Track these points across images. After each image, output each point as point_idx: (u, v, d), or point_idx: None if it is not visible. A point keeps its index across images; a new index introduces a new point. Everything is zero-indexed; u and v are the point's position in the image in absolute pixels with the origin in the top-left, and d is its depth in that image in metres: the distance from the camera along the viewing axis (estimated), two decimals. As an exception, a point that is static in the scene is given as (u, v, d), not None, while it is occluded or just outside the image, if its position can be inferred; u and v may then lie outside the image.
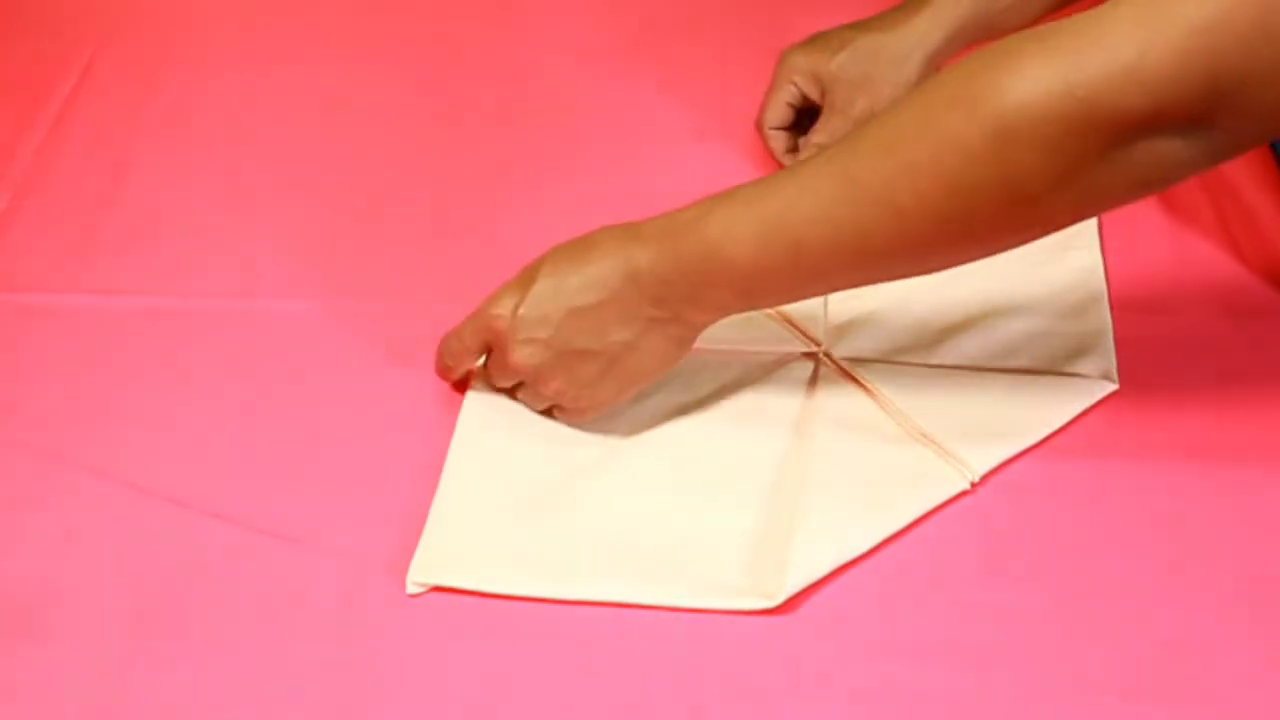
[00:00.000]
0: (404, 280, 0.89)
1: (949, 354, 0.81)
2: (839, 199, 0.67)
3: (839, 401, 0.79)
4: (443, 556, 0.72)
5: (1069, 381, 0.80)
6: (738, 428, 0.78)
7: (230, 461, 0.78)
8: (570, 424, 0.79)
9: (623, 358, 0.74)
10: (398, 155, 0.99)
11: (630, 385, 0.76)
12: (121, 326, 0.86)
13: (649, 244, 0.72)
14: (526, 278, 0.75)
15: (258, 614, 0.70)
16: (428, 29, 1.11)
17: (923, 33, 0.90)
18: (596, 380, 0.75)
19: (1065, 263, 0.86)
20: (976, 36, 0.91)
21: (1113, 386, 0.80)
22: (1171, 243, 0.89)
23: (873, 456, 0.76)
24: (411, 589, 0.71)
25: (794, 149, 0.95)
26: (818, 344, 0.82)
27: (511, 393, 0.79)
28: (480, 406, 0.80)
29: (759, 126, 0.96)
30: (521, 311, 0.74)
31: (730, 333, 0.79)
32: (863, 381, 0.80)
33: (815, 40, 0.94)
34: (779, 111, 0.94)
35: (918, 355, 0.81)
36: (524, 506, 0.75)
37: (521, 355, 0.75)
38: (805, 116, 0.95)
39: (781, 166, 0.95)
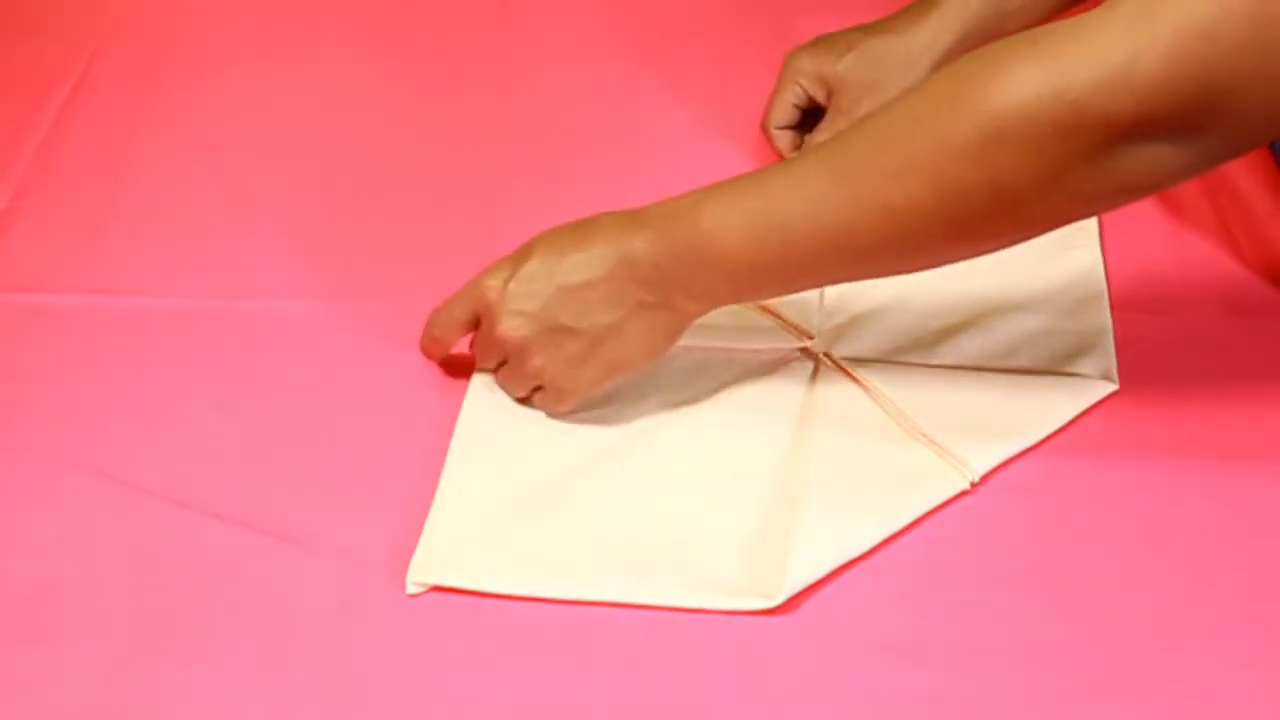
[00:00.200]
0: (404, 280, 0.89)
1: (949, 354, 0.81)
2: (828, 195, 0.67)
3: (839, 401, 0.79)
4: (442, 556, 0.72)
5: (1069, 381, 0.80)
6: (737, 427, 0.78)
7: (230, 461, 0.78)
8: (550, 412, 0.78)
9: (608, 340, 0.74)
10: (398, 155, 0.99)
11: (612, 371, 0.76)
12: (121, 326, 0.86)
13: (645, 228, 0.72)
14: (522, 254, 0.76)
15: (257, 614, 0.70)
16: (428, 29, 1.11)
17: (931, 37, 0.90)
18: (579, 361, 0.75)
19: (1065, 262, 0.87)
20: (985, 39, 0.90)
21: (1113, 386, 0.80)
22: (1171, 243, 0.89)
23: (873, 456, 0.76)
24: (411, 589, 0.71)
25: (800, 148, 0.95)
26: (810, 337, 0.82)
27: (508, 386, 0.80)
28: (480, 407, 0.80)
29: (764, 127, 0.96)
30: (512, 285, 0.75)
31: (728, 332, 0.79)
32: (862, 381, 0.80)
33: (821, 42, 0.94)
34: (784, 112, 0.94)
35: (918, 355, 0.81)
36: (524, 506, 0.75)
37: (508, 326, 0.75)
38: (810, 117, 0.96)
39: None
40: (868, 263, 0.70)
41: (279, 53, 1.09)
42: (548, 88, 1.05)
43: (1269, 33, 0.58)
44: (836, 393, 0.80)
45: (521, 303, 0.75)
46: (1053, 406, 0.78)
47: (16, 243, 0.92)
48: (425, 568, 0.71)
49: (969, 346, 0.82)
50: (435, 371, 0.82)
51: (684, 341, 0.76)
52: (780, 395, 0.80)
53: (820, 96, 0.93)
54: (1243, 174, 0.93)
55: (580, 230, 0.75)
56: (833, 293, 0.84)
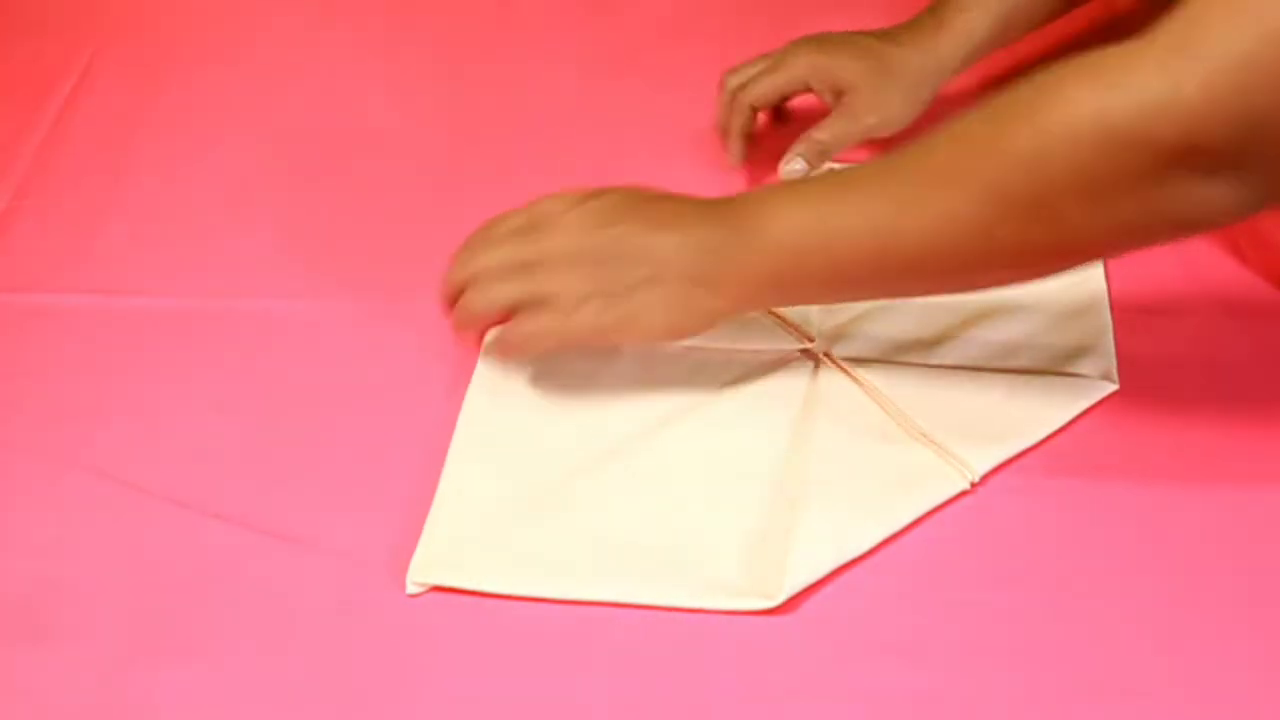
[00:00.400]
0: (404, 280, 0.89)
1: (949, 354, 0.81)
2: (878, 210, 0.69)
3: (839, 402, 0.79)
4: (442, 556, 0.72)
5: (1069, 381, 0.80)
6: (738, 428, 0.78)
7: (230, 461, 0.78)
8: (514, 341, 0.75)
9: (639, 294, 0.73)
10: (398, 155, 0.99)
11: (621, 328, 0.74)
12: (121, 326, 0.86)
13: (717, 209, 0.74)
14: (594, 192, 0.76)
15: (257, 614, 0.70)
16: (428, 29, 1.11)
17: (945, 56, 0.90)
18: (601, 298, 0.73)
19: (1065, 263, 0.87)
20: (985, 55, 0.92)
21: (1113, 386, 0.80)
22: (1172, 243, 0.89)
23: (873, 456, 0.76)
24: (411, 589, 0.71)
25: (745, 157, 0.94)
26: (811, 338, 0.82)
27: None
28: (481, 407, 0.80)
29: (730, 100, 0.93)
30: (579, 209, 0.75)
31: (729, 333, 0.79)
32: (862, 381, 0.80)
33: (832, 40, 0.92)
34: (771, 95, 0.93)
35: (918, 355, 0.81)
36: (524, 506, 0.75)
37: (562, 237, 0.74)
38: (778, 115, 0.96)
39: (725, 150, 0.94)
40: (912, 275, 0.70)
41: (279, 53, 1.09)
42: (547, 88, 1.05)
43: None
44: (837, 393, 0.80)
45: (586, 218, 0.74)
46: (1053, 406, 0.78)
47: (16, 243, 0.92)
48: (425, 568, 0.71)
49: (969, 346, 0.82)
50: (435, 371, 0.82)
51: (685, 342, 0.76)
52: (780, 395, 0.80)
53: (825, 93, 0.92)
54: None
55: (659, 193, 0.76)
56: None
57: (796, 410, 0.79)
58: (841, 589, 0.71)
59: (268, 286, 0.89)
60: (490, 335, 0.83)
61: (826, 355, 0.82)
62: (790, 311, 0.83)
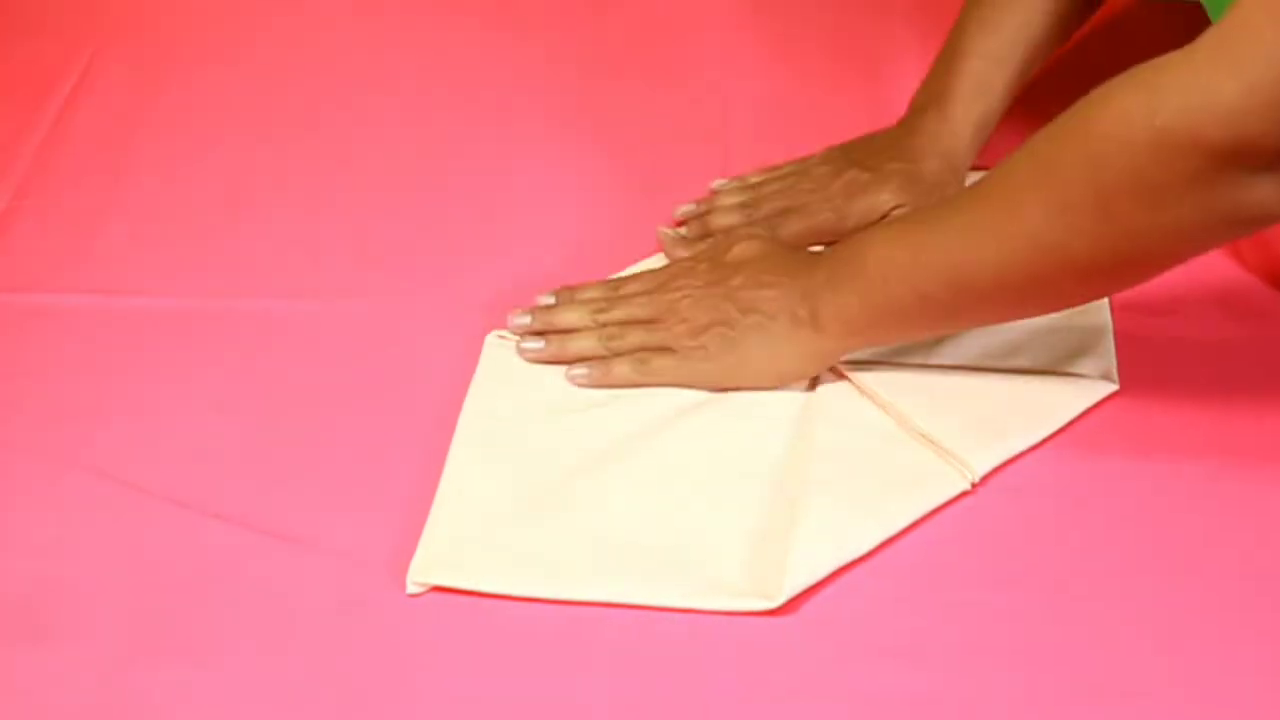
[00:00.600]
0: (404, 280, 0.89)
1: (949, 354, 0.81)
2: (958, 240, 0.72)
3: (839, 401, 0.79)
4: (443, 556, 0.72)
5: (1069, 381, 0.80)
6: (738, 428, 0.78)
7: (230, 461, 0.78)
8: (639, 374, 0.80)
9: (747, 339, 0.78)
10: (398, 155, 0.99)
11: (734, 372, 0.79)
12: (121, 326, 0.86)
13: (817, 259, 0.79)
14: (721, 244, 0.83)
15: (257, 614, 0.70)
16: (428, 29, 1.11)
17: (963, 152, 0.89)
18: (712, 344, 0.79)
19: (1065, 263, 0.86)
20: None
21: (1113, 386, 0.80)
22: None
23: (873, 456, 0.76)
24: (411, 589, 0.71)
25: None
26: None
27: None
28: (481, 407, 0.80)
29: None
30: (707, 261, 0.82)
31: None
32: (863, 382, 0.80)
33: (860, 174, 0.89)
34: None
35: (918, 355, 0.81)
36: (524, 506, 0.75)
37: (681, 294, 0.80)
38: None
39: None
40: (995, 301, 0.73)
41: (279, 52, 1.09)
42: (547, 88, 1.05)
43: None
44: (837, 393, 0.80)
45: (705, 274, 0.80)
46: (1053, 406, 0.78)
47: (16, 243, 0.92)
48: (425, 568, 0.71)
49: (969, 346, 0.82)
50: (435, 371, 0.82)
51: None
52: (781, 396, 0.80)
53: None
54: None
55: (773, 246, 0.82)
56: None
57: (797, 410, 0.79)
58: (841, 590, 0.71)
59: (268, 286, 0.89)
60: (491, 336, 0.83)
61: (827, 356, 0.82)
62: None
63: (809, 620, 0.69)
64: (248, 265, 0.90)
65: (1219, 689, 0.66)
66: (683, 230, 0.90)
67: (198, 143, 1.00)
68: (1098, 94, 0.66)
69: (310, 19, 1.13)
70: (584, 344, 0.81)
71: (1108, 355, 0.81)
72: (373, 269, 0.90)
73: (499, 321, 0.83)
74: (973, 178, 0.88)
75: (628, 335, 0.81)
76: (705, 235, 0.89)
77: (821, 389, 0.80)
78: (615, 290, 0.83)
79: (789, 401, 0.79)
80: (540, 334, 0.82)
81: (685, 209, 0.92)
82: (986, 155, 0.88)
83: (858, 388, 0.80)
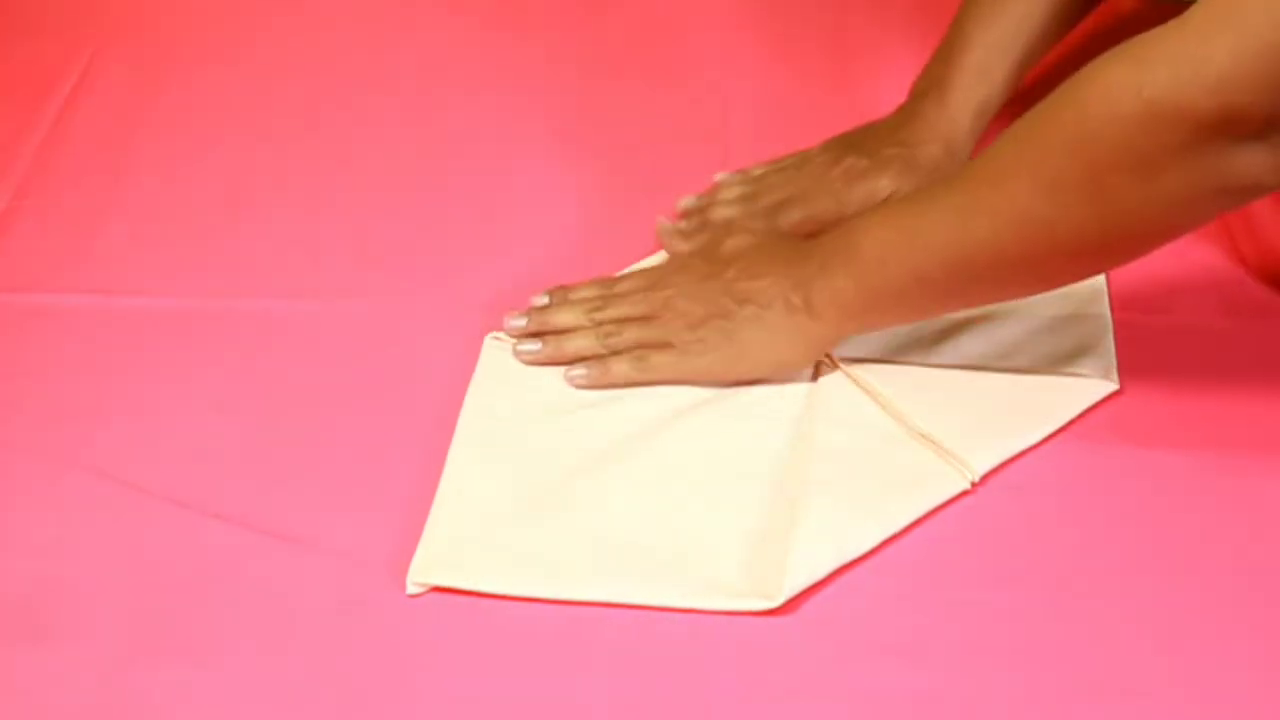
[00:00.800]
0: (404, 280, 0.89)
1: (949, 354, 0.81)
2: (950, 219, 0.72)
3: (839, 401, 0.79)
4: (443, 557, 0.72)
5: (1069, 381, 0.80)
6: (738, 427, 0.78)
7: (230, 461, 0.78)
8: (639, 371, 0.80)
9: (745, 330, 0.78)
10: (398, 155, 0.99)
11: (734, 363, 0.79)
12: (121, 326, 0.86)
13: (811, 246, 0.78)
14: (715, 237, 0.83)
15: (257, 614, 0.70)
16: (428, 29, 1.11)
17: (962, 144, 0.89)
18: (710, 337, 0.79)
19: (1065, 262, 0.86)
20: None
21: (1113, 386, 0.80)
22: (1171, 244, 0.89)
23: (873, 456, 0.76)
24: (411, 589, 0.71)
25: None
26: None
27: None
28: (481, 407, 0.80)
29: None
30: (702, 254, 0.82)
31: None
32: (863, 381, 0.80)
33: (860, 161, 0.89)
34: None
35: (918, 355, 0.81)
36: (524, 506, 0.75)
37: (676, 290, 0.80)
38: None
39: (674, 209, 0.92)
40: (989, 279, 0.73)
41: (279, 52, 1.09)
42: (547, 88, 1.05)
43: None
44: (837, 393, 0.80)
45: (700, 267, 0.80)
46: (1053, 406, 0.78)
47: (16, 243, 0.92)
48: (425, 568, 0.71)
49: (969, 346, 0.82)
50: (435, 371, 0.82)
51: None
52: (781, 395, 0.80)
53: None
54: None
55: (768, 237, 0.82)
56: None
57: (797, 410, 0.79)
58: (841, 589, 0.71)
59: (268, 286, 0.89)
60: (489, 338, 0.83)
61: (827, 356, 0.82)
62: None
63: (809, 620, 0.69)
64: (248, 265, 0.90)
65: (1219, 688, 0.66)
66: (682, 224, 0.90)
67: (198, 143, 1.00)
68: (1086, 71, 0.66)
69: (310, 19, 1.13)
70: (581, 343, 0.81)
71: (1108, 354, 0.81)
72: (373, 269, 0.90)
73: (499, 322, 0.83)
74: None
75: (624, 332, 0.81)
76: (704, 227, 0.89)
77: (822, 389, 0.80)
78: (610, 288, 0.83)
79: (789, 401, 0.79)
80: (537, 335, 0.82)
81: (687, 202, 0.92)
82: (986, 143, 0.88)
83: (858, 387, 0.80)
